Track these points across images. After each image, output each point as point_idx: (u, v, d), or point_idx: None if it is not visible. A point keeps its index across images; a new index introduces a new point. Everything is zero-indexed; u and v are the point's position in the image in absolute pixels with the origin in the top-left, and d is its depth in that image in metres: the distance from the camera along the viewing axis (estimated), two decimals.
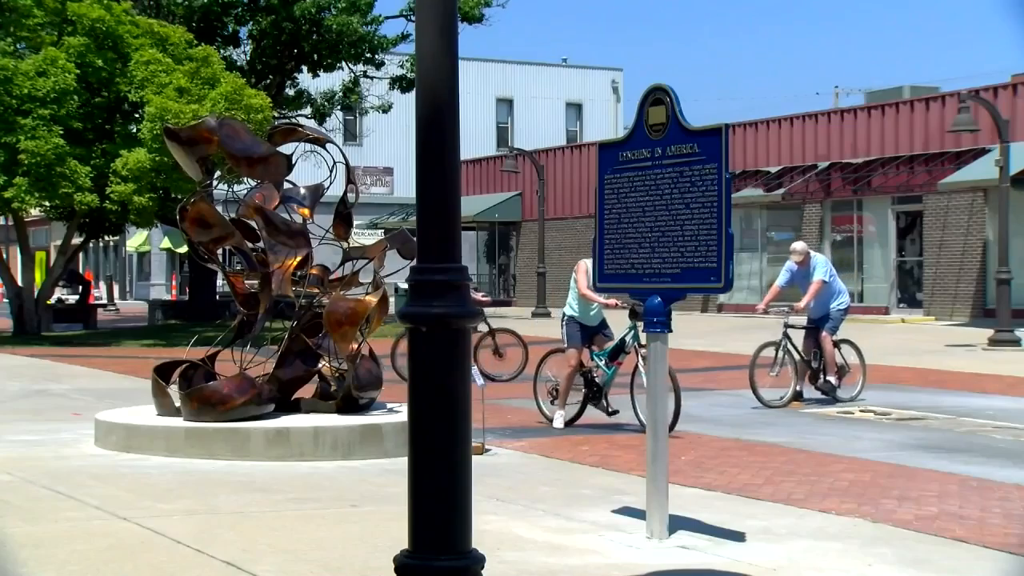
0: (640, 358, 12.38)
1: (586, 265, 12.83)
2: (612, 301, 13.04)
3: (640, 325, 12.30)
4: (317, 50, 35.32)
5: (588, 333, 13.46)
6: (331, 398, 11.95)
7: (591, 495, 9.29)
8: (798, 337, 16.09)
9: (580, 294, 13.13)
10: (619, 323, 13.61)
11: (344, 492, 9.29)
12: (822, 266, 16.06)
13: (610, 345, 13.31)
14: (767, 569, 7.02)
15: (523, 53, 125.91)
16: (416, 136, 5.15)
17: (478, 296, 13.97)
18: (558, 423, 13.39)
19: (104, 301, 54.10)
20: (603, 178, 8.25)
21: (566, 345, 13.40)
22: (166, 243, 58.32)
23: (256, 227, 12.23)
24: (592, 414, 13.67)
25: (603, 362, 13.36)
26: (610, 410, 13.46)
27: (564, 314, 13.51)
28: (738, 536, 7.82)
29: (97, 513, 8.26)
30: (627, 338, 13.07)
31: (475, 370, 9.41)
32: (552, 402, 13.69)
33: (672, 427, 11.54)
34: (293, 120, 30.27)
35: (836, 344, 16.09)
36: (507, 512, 8.50)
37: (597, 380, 13.40)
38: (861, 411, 15.20)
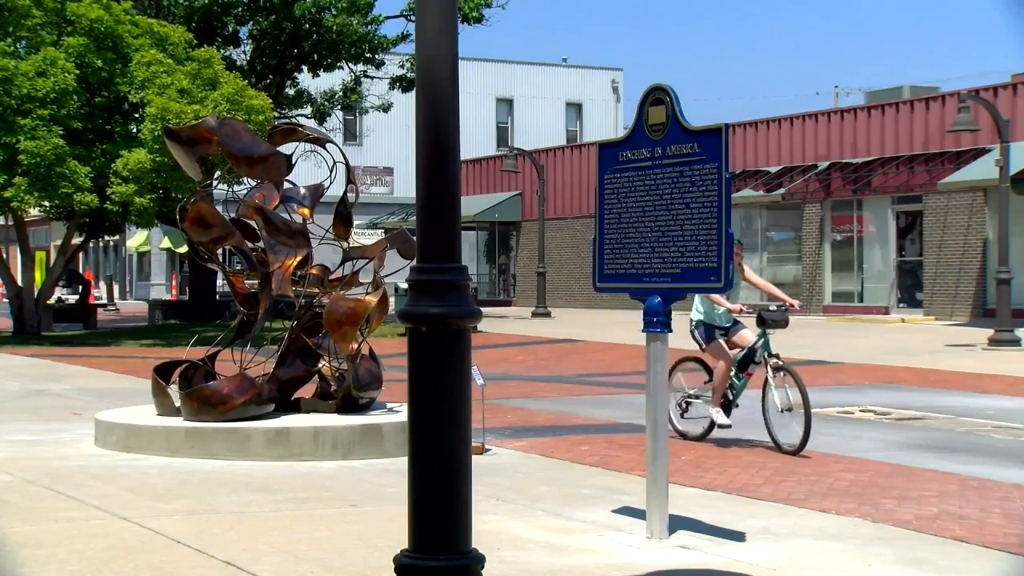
0: (770, 370, 11.70)
1: None
2: (738, 306, 12.10)
3: (771, 332, 11.86)
4: (317, 50, 35.32)
5: (719, 335, 12.26)
6: (331, 398, 11.94)
7: (591, 495, 9.29)
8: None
9: (707, 296, 12.01)
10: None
11: (344, 492, 9.29)
12: None
13: (739, 354, 12.11)
14: (767, 569, 7.02)
15: (523, 53, 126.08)
16: (416, 136, 5.15)
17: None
18: (720, 419, 12.03)
19: (104, 301, 54.12)
20: (603, 178, 8.25)
21: (705, 346, 12.22)
22: (166, 243, 58.31)
23: (256, 227, 12.23)
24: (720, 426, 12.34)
25: (733, 372, 12.14)
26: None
27: (691, 319, 12.36)
28: (738, 536, 7.82)
29: (97, 513, 8.26)
30: (758, 347, 11.92)
31: (475, 370, 9.39)
32: (682, 416, 12.51)
33: (802, 447, 11.23)
34: (293, 120, 30.26)
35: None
36: (507, 512, 8.50)
37: (729, 394, 12.17)
38: (861, 411, 15.21)
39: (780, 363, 11.70)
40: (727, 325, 12.23)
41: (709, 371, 12.30)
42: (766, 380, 11.76)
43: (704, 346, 12.20)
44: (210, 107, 25.89)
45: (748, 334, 12.10)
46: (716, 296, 11.77)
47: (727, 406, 12.12)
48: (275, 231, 11.91)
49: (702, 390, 12.40)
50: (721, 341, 12.08)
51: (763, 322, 11.85)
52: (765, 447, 11.74)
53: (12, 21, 28.32)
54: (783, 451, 11.45)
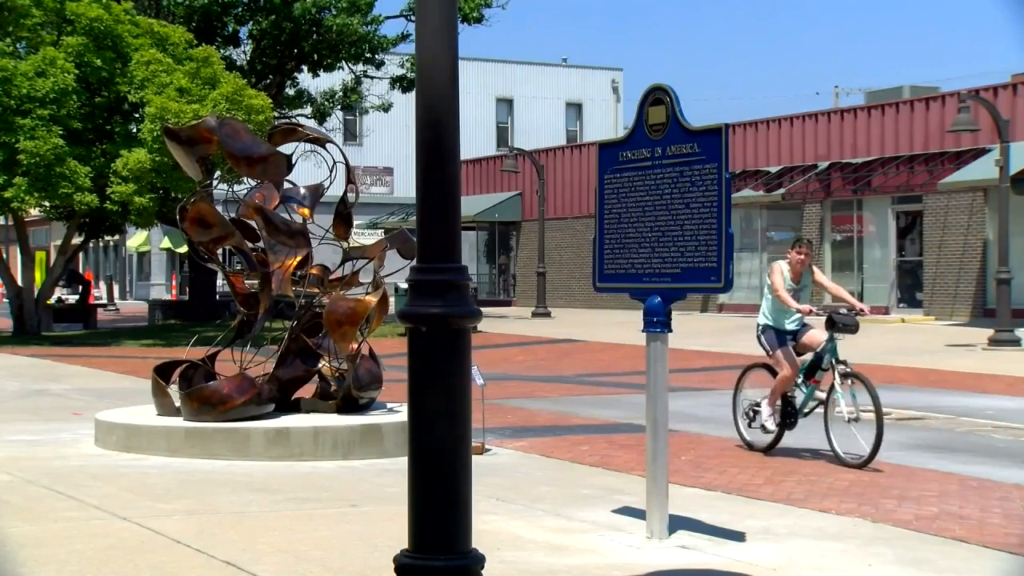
0: (838, 376, 11.09)
1: (780, 267, 11.59)
2: (807, 307, 11.44)
3: (839, 337, 11.28)
4: (317, 50, 35.32)
5: (788, 340, 11.68)
6: (331, 398, 11.95)
7: (591, 495, 9.29)
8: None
9: (775, 295, 11.49)
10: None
11: (344, 492, 9.29)
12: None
13: (806, 359, 11.56)
14: (767, 569, 7.02)
15: (523, 53, 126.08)
16: (416, 136, 5.15)
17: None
18: (770, 425, 11.59)
19: (104, 301, 54.11)
20: (603, 178, 8.25)
21: (771, 352, 11.62)
22: (166, 243, 58.30)
23: (256, 227, 12.23)
24: (789, 440, 11.82)
25: (799, 380, 11.58)
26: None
27: (758, 324, 11.83)
28: (738, 536, 7.82)
29: (97, 513, 8.26)
30: (825, 352, 11.36)
31: (475, 370, 9.39)
32: (750, 425, 11.86)
33: (870, 460, 10.61)
34: (293, 120, 30.26)
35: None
36: (507, 512, 8.50)
37: (795, 402, 11.57)
38: (861, 411, 15.17)
39: (849, 369, 11.12)
40: (795, 329, 11.65)
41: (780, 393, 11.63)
42: (831, 387, 11.17)
43: (771, 352, 11.63)
44: (209, 106, 25.89)
45: (818, 334, 11.51)
46: (785, 296, 11.37)
47: (793, 416, 11.54)
48: (275, 231, 11.91)
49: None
50: (790, 348, 11.54)
51: (833, 325, 11.23)
52: (828, 459, 11.11)
53: (12, 21, 28.32)
54: (845, 463, 10.81)
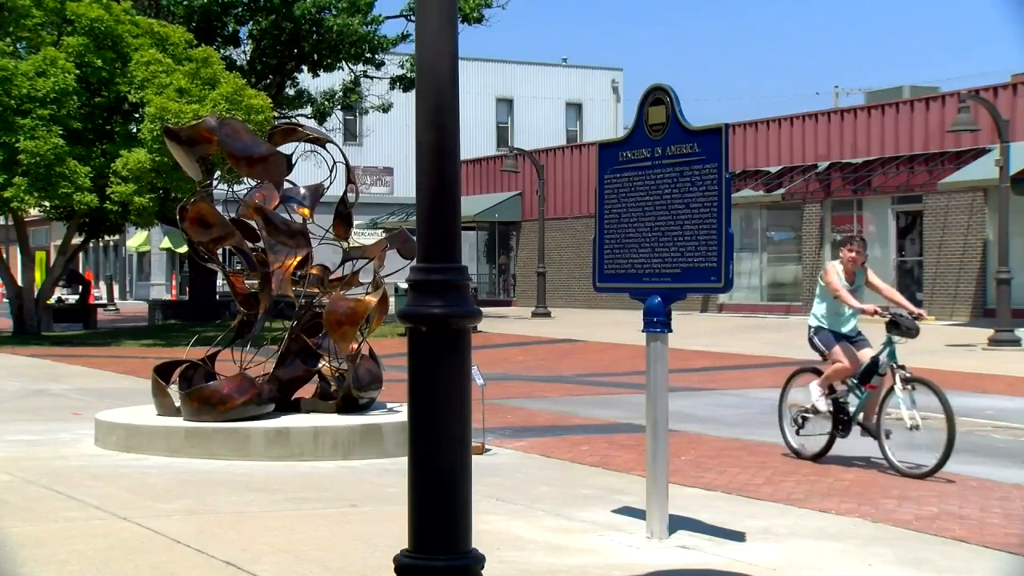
0: (899, 380, 10.52)
1: (835, 267, 11.05)
2: (872, 307, 10.85)
3: (897, 341, 10.72)
4: (317, 50, 35.31)
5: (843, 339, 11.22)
6: (331, 398, 11.95)
7: (591, 495, 9.29)
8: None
9: (835, 296, 10.92)
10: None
11: (344, 492, 9.29)
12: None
13: (864, 361, 11.00)
14: (767, 569, 7.02)
15: (523, 53, 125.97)
16: (416, 136, 5.15)
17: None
18: (822, 406, 11.02)
19: (104, 301, 54.11)
20: (603, 178, 8.25)
21: (827, 351, 11.11)
22: (166, 243, 58.30)
23: (256, 227, 12.23)
24: (841, 446, 11.30)
25: (854, 384, 11.07)
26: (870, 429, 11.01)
27: (809, 327, 11.32)
28: (738, 536, 7.82)
29: (97, 513, 8.26)
30: (882, 356, 10.79)
31: (475, 370, 9.39)
32: (798, 432, 11.33)
33: (936, 469, 10.09)
34: (293, 120, 30.26)
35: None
36: (507, 512, 8.50)
37: (849, 408, 11.04)
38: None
39: (910, 374, 10.61)
40: (852, 334, 11.13)
41: (829, 384, 11.18)
42: (888, 392, 10.64)
43: (827, 351, 11.08)
44: (209, 107, 25.89)
45: (869, 352, 10.98)
46: (846, 296, 10.84)
47: (845, 424, 11.01)
48: (275, 231, 11.91)
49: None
50: (848, 344, 11.03)
51: (897, 327, 10.68)
52: (880, 468, 10.69)
53: (12, 21, 28.32)
54: (903, 473, 10.30)
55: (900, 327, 10.70)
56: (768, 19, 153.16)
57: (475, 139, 56.19)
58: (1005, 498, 9.41)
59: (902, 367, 10.65)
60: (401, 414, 11.33)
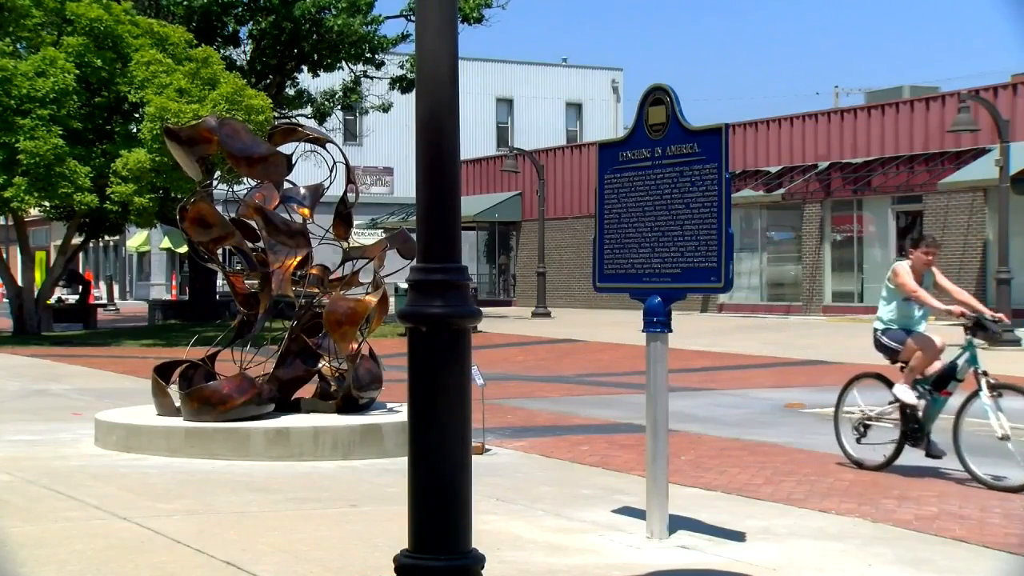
0: (985, 386, 9.91)
1: (904, 267, 10.52)
2: (958, 309, 10.28)
3: (978, 344, 10.19)
4: (317, 50, 35.31)
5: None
6: (331, 398, 11.94)
7: (591, 495, 9.29)
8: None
9: (912, 296, 10.41)
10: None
11: (344, 492, 9.29)
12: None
13: (936, 368, 10.52)
14: (767, 569, 7.02)
15: (523, 53, 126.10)
16: (416, 136, 5.15)
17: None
18: (908, 398, 10.43)
19: (104, 301, 54.12)
20: (603, 178, 8.25)
21: (900, 346, 10.55)
22: (166, 243, 58.28)
23: (256, 227, 12.23)
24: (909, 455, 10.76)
25: (927, 390, 10.52)
26: (935, 451, 10.45)
27: (875, 329, 10.78)
28: (738, 536, 7.82)
29: (97, 513, 8.26)
30: (960, 361, 10.22)
31: (475, 370, 9.39)
32: (858, 441, 10.82)
33: None
34: (293, 120, 30.26)
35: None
36: (507, 512, 8.50)
37: (918, 414, 10.47)
38: (861, 410, 15.14)
39: (994, 380, 10.05)
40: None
41: (913, 380, 10.58)
42: (969, 398, 10.09)
43: (900, 347, 10.52)
44: (209, 107, 25.89)
45: (938, 364, 10.53)
46: (925, 296, 10.35)
47: (919, 435, 10.40)
48: (275, 231, 11.92)
49: (884, 411, 10.74)
50: (913, 340, 10.45)
51: (982, 329, 10.18)
52: (958, 479, 10.13)
53: (12, 21, 28.32)
54: (989, 486, 9.72)
55: (986, 329, 10.23)
56: (768, 19, 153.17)
57: (475, 139, 56.19)
58: (1005, 498, 9.41)
59: (985, 372, 10.09)
60: (401, 414, 11.33)
